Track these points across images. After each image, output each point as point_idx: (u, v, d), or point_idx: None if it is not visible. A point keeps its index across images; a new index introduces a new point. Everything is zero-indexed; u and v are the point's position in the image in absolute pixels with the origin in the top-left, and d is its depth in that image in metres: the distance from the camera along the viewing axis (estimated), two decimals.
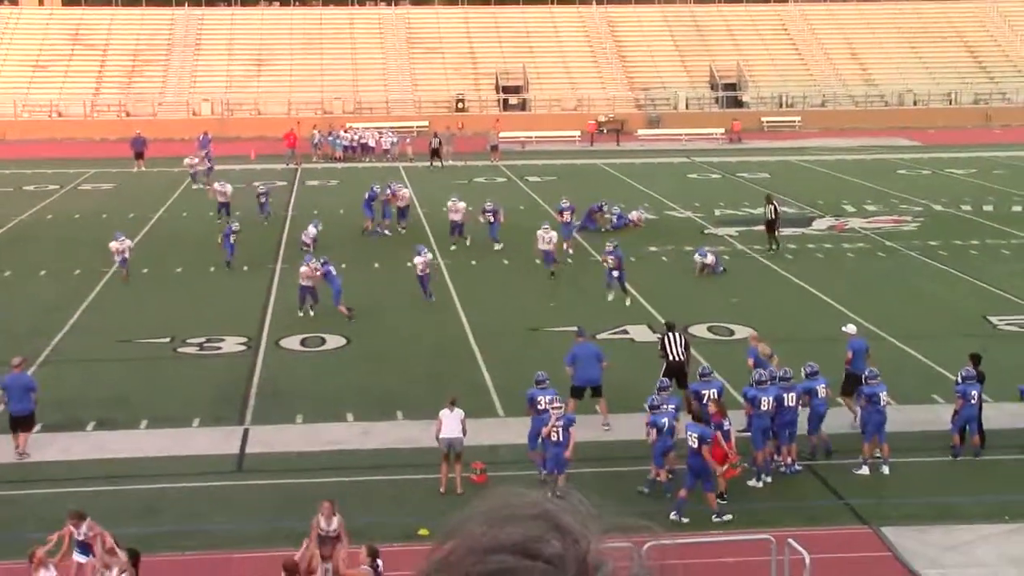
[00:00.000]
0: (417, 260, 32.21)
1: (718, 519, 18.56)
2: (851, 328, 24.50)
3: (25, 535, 17.80)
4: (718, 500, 18.95)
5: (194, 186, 54.73)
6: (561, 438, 19.21)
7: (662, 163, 64.80)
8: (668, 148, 71.32)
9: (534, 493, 1.27)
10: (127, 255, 34.90)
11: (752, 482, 20.02)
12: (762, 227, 40.12)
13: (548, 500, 1.24)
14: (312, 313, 30.36)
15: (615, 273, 32.02)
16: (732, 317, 30.53)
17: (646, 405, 20.18)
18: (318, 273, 30.51)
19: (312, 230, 37.09)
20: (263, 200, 44.95)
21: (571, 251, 38.39)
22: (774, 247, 38.85)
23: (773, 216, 39.10)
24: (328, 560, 15.08)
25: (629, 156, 67.69)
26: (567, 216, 39.59)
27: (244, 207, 44.98)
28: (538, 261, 35.64)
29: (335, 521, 16.66)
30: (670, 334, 23.81)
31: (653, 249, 39.89)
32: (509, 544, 1.17)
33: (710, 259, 35.97)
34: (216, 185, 46.81)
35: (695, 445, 18.68)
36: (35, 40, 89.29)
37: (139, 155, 62.61)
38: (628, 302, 31.76)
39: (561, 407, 19.67)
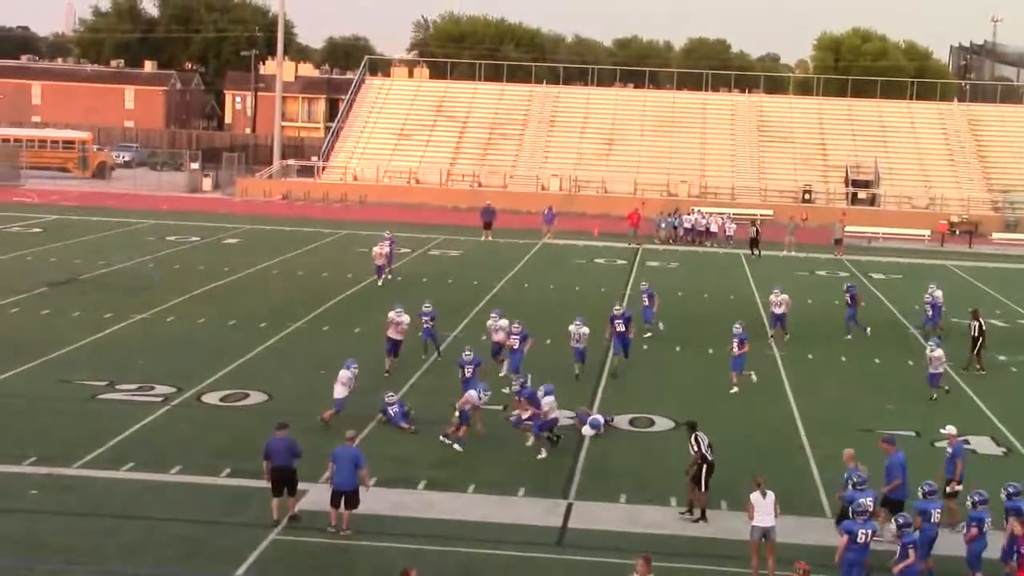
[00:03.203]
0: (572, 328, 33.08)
1: None
2: (952, 429, 22.88)
3: None
4: None
5: (379, 282, 47.75)
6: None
7: (1018, 269, 61.95)
8: None
9: None
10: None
11: None
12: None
13: None
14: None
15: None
16: None
17: (898, 524, 18.83)
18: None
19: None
20: (427, 324, 34.76)
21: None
22: (977, 367, 35.68)
23: (977, 333, 35.88)
24: None
25: (981, 259, 65.06)
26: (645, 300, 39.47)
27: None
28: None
29: None
30: (696, 434, 22.58)
31: (1003, 359, 38.08)
32: None
33: (938, 352, 32.26)
34: (392, 314, 33.24)
35: None
36: (402, 110, 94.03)
37: (488, 225, 64.68)
38: None
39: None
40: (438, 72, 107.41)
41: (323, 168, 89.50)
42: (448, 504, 22.65)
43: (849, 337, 39.83)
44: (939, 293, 41.34)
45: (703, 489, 22.12)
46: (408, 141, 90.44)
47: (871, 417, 29.74)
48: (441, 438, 26.11)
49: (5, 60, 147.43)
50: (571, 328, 33.15)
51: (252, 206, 78.24)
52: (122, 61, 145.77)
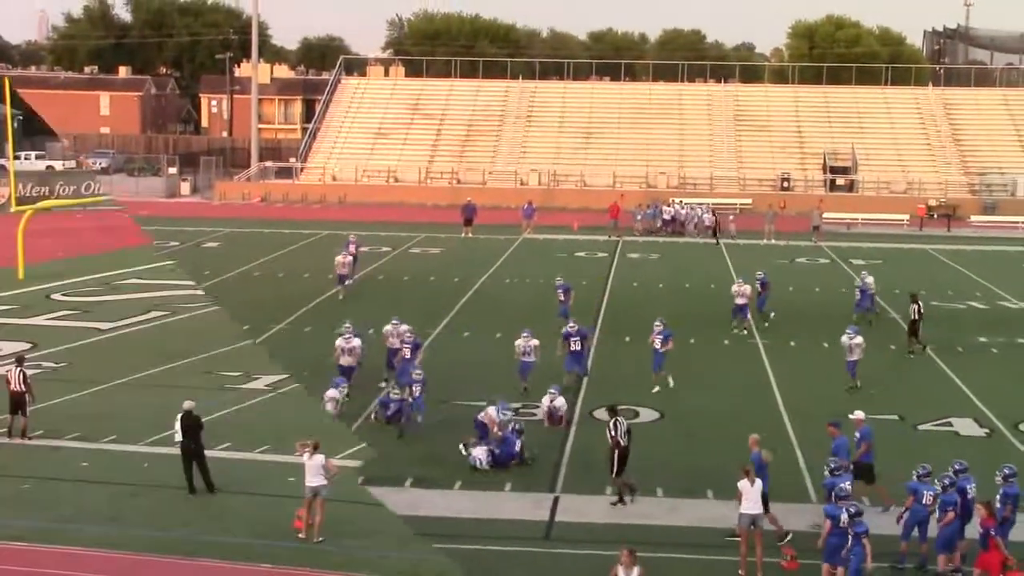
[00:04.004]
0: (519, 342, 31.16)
1: None
2: (859, 414, 23.19)
3: None
4: None
5: (340, 295, 44.56)
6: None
7: (996, 251, 62.23)
8: (1004, 236, 68.54)
9: None
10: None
11: None
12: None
13: None
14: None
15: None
16: None
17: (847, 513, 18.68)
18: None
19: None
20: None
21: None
22: (913, 350, 35.82)
23: (916, 316, 36.00)
24: None
25: (960, 242, 65.31)
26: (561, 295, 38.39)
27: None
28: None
29: (635, 572, 16.76)
30: (616, 419, 23.07)
31: (983, 340, 38.29)
32: None
33: (858, 340, 31.82)
34: (341, 341, 30.06)
35: None
36: (379, 109, 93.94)
37: (468, 221, 64.69)
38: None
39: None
40: (414, 70, 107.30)
41: (301, 169, 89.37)
42: (434, 501, 22.65)
43: (773, 315, 40.23)
44: (870, 280, 41.58)
45: (612, 473, 22.52)
46: (386, 140, 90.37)
47: (854, 402, 29.74)
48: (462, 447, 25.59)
49: None
50: (518, 343, 31.32)
51: (231, 209, 78.06)
52: (96, 67, 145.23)
